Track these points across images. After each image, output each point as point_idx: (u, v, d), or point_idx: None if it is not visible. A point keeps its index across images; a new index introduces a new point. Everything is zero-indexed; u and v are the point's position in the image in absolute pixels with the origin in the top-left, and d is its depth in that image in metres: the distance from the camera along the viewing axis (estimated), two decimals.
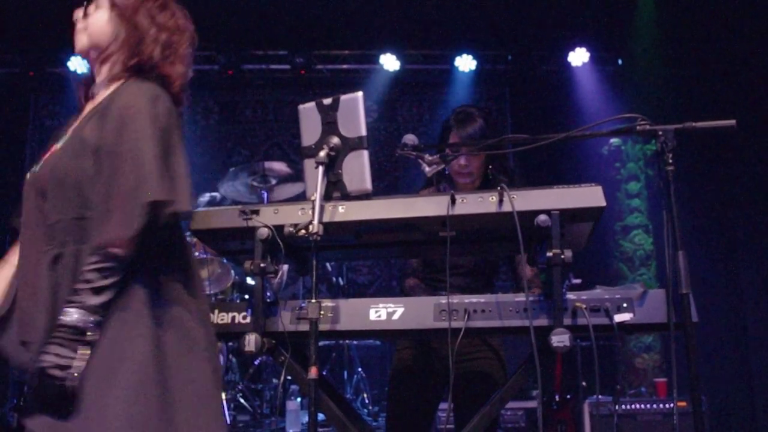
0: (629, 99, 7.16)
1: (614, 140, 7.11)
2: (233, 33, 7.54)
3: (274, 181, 5.37)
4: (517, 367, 2.11)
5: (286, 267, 2.21)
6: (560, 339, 1.84)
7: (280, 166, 5.43)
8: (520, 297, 1.98)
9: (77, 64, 7.52)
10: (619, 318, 1.92)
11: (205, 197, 5.43)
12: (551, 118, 7.33)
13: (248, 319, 2.13)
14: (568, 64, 7.69)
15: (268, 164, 5.40)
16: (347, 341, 6.10)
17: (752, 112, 5.70)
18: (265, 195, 5.34)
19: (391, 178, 7.84)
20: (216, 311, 2.17)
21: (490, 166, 2.80)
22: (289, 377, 5.05)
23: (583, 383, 5.18)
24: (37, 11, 6.94)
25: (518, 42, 7.74)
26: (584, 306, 1.93)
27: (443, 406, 3.03)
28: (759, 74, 5.88)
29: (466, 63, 7.74)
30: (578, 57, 7.61)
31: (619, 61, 7.80)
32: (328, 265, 6.06)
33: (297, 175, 5.40)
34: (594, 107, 7.33)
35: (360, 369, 6.19)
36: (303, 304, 2.09)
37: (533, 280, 2.63)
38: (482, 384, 2.68)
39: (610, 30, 7.52)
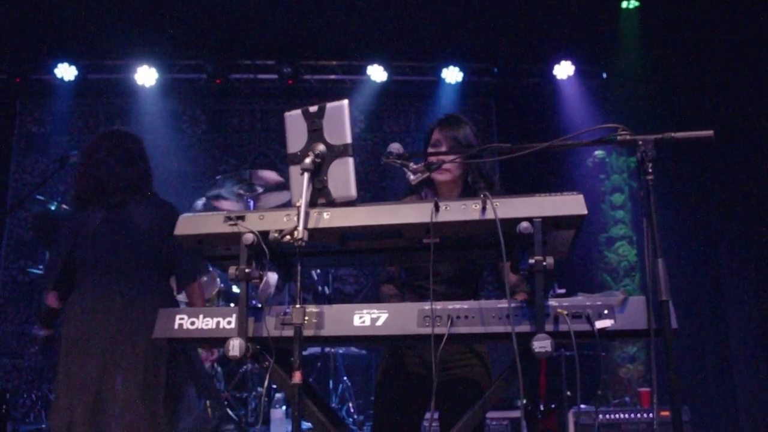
0: (613, 112, 7.24)
1: (599, 152, 7.17)
2: (221, 42, 7.57)
3: (260, 189, 5.37)
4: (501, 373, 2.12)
5: (274, 280, 2.21)
6: (542, 344, 1.86)
7: (269, 174, 5.43)
8: (503, 303, 2.00)
9: (64, 71, 7.50)
10: (600, 324, 1.93)
11: (201, 201, 5.43)
12: (536, 129, 7.40)
13: (233, 325, 2.12)
14: (554, 77, 7.78)
15: (260, 172, 5.40)
16: (333, 350, 6.09)
17: (734, 124, 5.77)
18: (252, 203, 5.33)
19: (377, 189, 7.87)
20: (200, 316, 2.17)
21: (470, 178, 2.83)
22: (275, 385, 5.06)
23: (568, 393, 5.20)
24: (24, 18, 6.93)
25: (504, 55, 7.82)
26: (566, 312, 1.94)
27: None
28: (740, 87, 5.96)
29: (452, 75, 7.81)
30: (563, 70, 7.71)
31: (604, 75, 7.91)
32: (314, 273, 6.05)
33: (285, 184, 5.41)
34: (578, 120, 7.40)
35: (345, 378, 6.19)
36: (287, 310, 2.09)
37: (519, 285, 2.64)
38: (468, 391, 2.69)
39: (594, 44, 7.62)
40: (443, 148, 2.80)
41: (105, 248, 3.20)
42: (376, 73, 7.70)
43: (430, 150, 2.83)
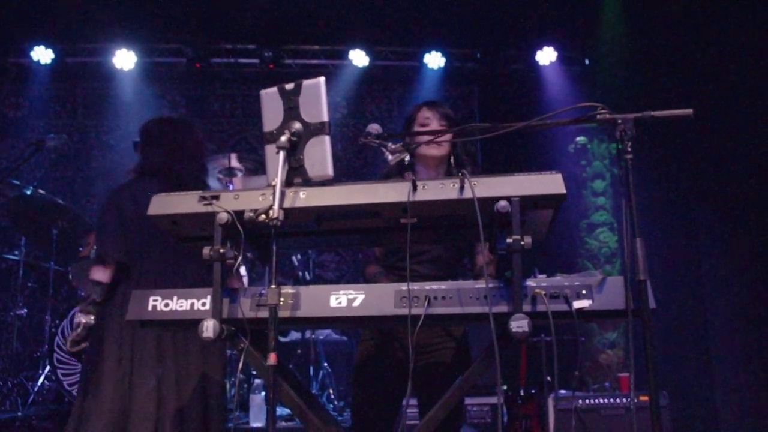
0: (596, 98, 7.13)
1: (580, 138, 7.18)
2: (201, 26, 7.48)
3: (239, 174, 5.33)
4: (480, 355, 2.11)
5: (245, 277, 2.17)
6: (519, 324, 1.85)
7: (227, 161, 5.40)
8: (481, 284, 1.98)
9: (40, 54, 7.38)
10: (577, 305, 1.92)
11: None
12: (519, 115, 7.27)
13: (207, 306, 2.09)
14: (536, 63, 7.77)
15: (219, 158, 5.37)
16: (313, 336, 6.07)
17: (716, 109, 5.79)
18: (231, 186, 5.30)
19: (359, 175, 7.83)
20: (174, 298, 2.14)
21: (452, 158, 2.84)
22: (254, 372, 5.03)
23: (548, 378, 5.22)
24: (0, 1, 6.81)
25: (487, 40, 7.79)
26: (543, 292, 1.93)
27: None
28: (723, 73, 5.98)
29: (435, 60, 7.77)
30: (546, 56, 7.70)
31: (586, 61, 7.91)
32: (294, 259, 6.03)
33: (255, 169, 5.40)
34: (561, 105, 7.24)
35: (326, 364, 6.17)
36: (263, 291, 2.07)
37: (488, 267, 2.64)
38: (446, 375, 2.68)
39: (577, 30, 7.61)
40: (434, 125, 2.81)
41: (153, 234, 3.01)
42: (358, 57, 7.64)
43: (418, 129, 2.83)
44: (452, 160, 2.85)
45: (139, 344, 2.98)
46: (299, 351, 6.15)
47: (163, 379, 2.96)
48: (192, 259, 3.04)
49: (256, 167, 5.66)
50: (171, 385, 2.96)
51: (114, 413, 2.89)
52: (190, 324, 2.09)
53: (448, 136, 2.76)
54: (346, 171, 7.80)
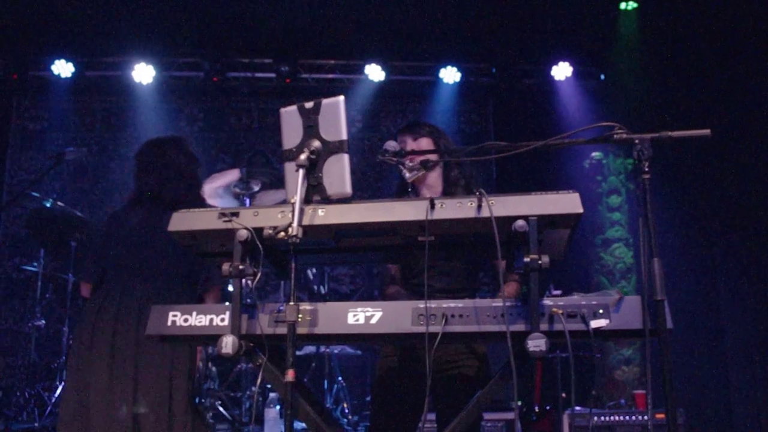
0: (611, 113, 7.23)
1: (596, 154, 7.17)
2: (219, 40, 7.55)
3: (256, 188, 5.36)
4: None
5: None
6: (536, 344, 1.85)
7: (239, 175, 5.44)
8: (498, 302, 1.98)
9: (61, 68, 7.48)
10: (595, 324, 1.92)
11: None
12: (534, 130, 7.39)
13: (226, 322, 2.11)
14: (551, 78, 7.78)
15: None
16: (327, 350, 6.08)
17: (732, 126, 5.77)
18: (247, 201, 5.32)
19: (374, 188, 7.86)
20: (194, 313, 2.16)
21: (452, 174, 2.88)
22: (269, 385, 5.04)
23: (563, 394, 5.20)
24: (22, 15, 6.91)
25: (502, 55, 7.82)
26: (561, 311, 1.93)
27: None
28: (738, 89, 5.96)
29: (450, 75, 7.80)
30: (561, 71, 7.70)
31: (602, 76, 7.90)
32: (310, 273, 6.04)
33: (278, 182, 5.41)
34: (576, 121, 7.40)
35: (340, 378, 6.17)
36: (281, 308, 2.08)
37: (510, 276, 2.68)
38: (466, 391, 2.68)
39: (592, 45, 7.62)
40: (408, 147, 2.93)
41: (136, 249, 3.26)
42: (374, 72, 7.69)
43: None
44: (452, 175, 2.91)
45: (96, 349, 3.10)
46: (314, 364, 6.16)
47: (118, 381, 3.03)
48: (177, 278, 3.27)
49: (272, 181, 5.68)
50: (128, 387, 3.02)
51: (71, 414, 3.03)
52: (209, 339, 2.11)
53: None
54: (361, 184, 7.82)
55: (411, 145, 2.92)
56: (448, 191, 2.88)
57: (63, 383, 3.27)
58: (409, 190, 2.89)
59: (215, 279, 3.38)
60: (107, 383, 3.03)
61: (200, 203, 3.47)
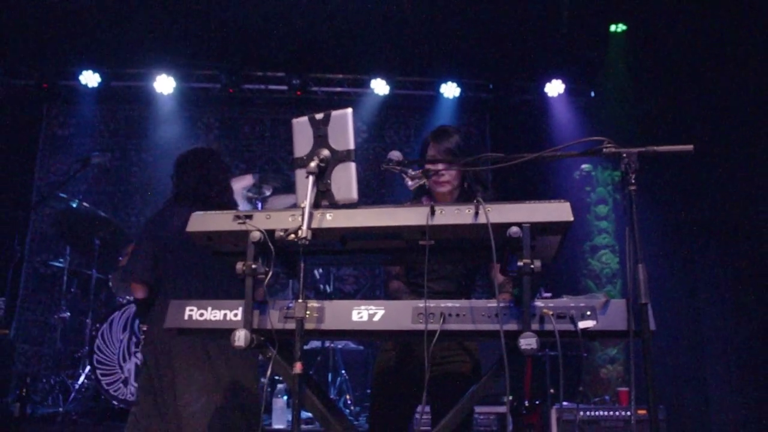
0: (600, 128, 7.21)
1: (585, 166, 7.17)
2: (235, 54, 7.58)
3: (268, 193, 5.38)
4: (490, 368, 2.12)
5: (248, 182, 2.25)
6: (528, 342, 1.85)
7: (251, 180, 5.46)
8: (492, 303, 1.99)
9: (88, 78, 7.51)
10: (582, 324, 1.93)
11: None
12: (528, 142, 7.39)
13: (239, 317, 2.12)
14: (545, 94, 7.79)
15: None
16: (332, 345, 6.08)
17: (714, 142, 5.77)
18: (259, 205, 5.34)
19: (377, 195, 7.86)
20: (209, 308, 2.17)
21: (466, 183, 2.85)
22: (277, 376, 5.04)
23: (551, 390, 5.18)
24: (52, 28, 6.95)
25: (499, 72, 7.83)
26: (551, 312, 1.94)
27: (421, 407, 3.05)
28: (722, 108, 5.97)
29: (450, 90, 7.81)
30: (554, 88, 7.72)
31: (592, 93, 7.92)
32: (316, 273, 6.05)
33: (289, 187, 5.43)
34: (568, 135, 7.40)
35: (343, 371, 6.17)
36: (290, 305, 2.09)
37: (505, 285, 2.64)
38: (458, 385, 2.67)
39: (584, 65, 7.63)
40: (439, 164, 2.80)
41: (188, 250, 3.23)
42: (379, 86, 7.71)
43: (427, 163, 2.83)
44: (466, 185, 2.86)
45: (176, 352, 3.07)
46: (319, 358, 6.16)
47: (204, 385, 3.05)
48: (220, 275, 3.25)
49: (283, 186, 5.70)
50: (212, 389, 3.06)
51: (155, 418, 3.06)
52: (223, 333, 2.12)
53: (452, 175, 2.76)
54: (366, 191, 7.83)
55: (433, 150, 2.85)
56: (465, 198, 2.84)
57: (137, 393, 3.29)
58: (422, 200, 2.86)
59: None
60: (214, 385, 3.10)
61: (234, 206, 3.52)
